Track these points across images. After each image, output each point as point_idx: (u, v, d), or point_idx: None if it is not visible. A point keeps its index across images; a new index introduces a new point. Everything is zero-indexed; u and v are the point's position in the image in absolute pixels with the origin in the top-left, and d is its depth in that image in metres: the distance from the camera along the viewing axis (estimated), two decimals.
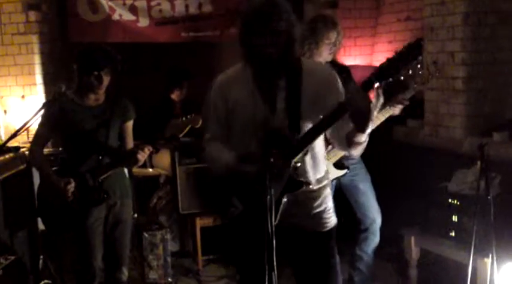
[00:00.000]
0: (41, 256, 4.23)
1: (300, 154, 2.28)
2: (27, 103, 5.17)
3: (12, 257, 3.74)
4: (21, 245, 4.17)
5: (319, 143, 2.44)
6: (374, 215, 3.90)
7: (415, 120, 4.60)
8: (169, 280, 4.42)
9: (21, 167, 4.25)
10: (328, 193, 2.51)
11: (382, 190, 4.02)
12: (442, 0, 4.20)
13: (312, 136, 2.28)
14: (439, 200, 3.68)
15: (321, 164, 2.46)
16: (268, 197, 2.04)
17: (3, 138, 4.75)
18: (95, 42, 5.04)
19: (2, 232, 3.97)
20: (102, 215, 3.29)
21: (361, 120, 2.17)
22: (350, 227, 4.03)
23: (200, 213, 4.59)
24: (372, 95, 2.12)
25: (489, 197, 3.05)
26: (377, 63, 5.57)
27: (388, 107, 3.63)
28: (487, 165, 3.11)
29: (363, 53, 5.69)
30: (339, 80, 2.41)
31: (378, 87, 2.09)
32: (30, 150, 3.40)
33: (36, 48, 5.22)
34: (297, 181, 2.30)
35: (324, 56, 3.72)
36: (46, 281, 4.26)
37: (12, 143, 3.96)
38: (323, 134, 2.37)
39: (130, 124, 3.39)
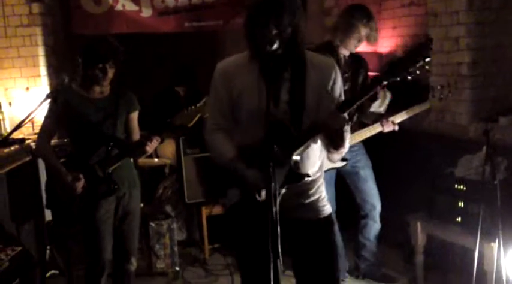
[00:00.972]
0: (48, 247, 4.25)
1: (301, 148, 2.30)
2: (32, 95, 5.17)
3: (19, 249, 3.75)
4: (28, 236, 4.20)
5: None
6: (374, 201, 3.92)
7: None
8: (177, 269, 4.44)
9: (27, 159, 4.27)
10: (321, 184, 2.52)
11: (388, 176, 4.02)
12: None
13: (310, 136, 2.31)
14: (445, 186, 3.66)
15: (315, 157, 2.47)
16: (273, 184, 2.04)
17: (8, 130, 4.75)
18: (98, 33, 5.04)
19: (8, 224, 3.99)
20: (112, 207, 3.29)
21: (334, 141, 2.32)
22: (354, 216, 4.04)
23: (206, 202, 4.60)
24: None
25: (495, 182, 3.05)
26: (382, 50, 5.54)
27: (378, 123, 3.77)
28: (493, 150, 3.10)
29: None
30: (338, 72, 2.42)
31: (385, 86, 2.11)
32: (37, 142, 3.40)
33: (39, 40, 5.21)
34: (297, 174, 2.32)
35: (349, 47, 3.71)
36: (53, 271, 4.29)
37: (17, 135, 3.99)
38: None
39: (135, 115, 3.40)
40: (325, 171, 3.65)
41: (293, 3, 2.30)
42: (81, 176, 3.17)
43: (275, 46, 2.25)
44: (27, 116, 2.89)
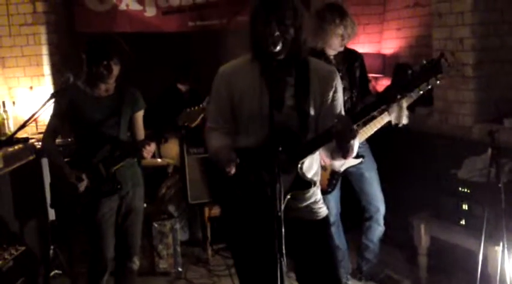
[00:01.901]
0: (52, 246, 4.25)
1: (309, 155, 2.33)
2: (36, 94, 5.18)
3: (23, 248, 3.77)
4: (31, 235, 4.20)
5: None
6: (378, 204, 3.90)
7: (424, 107, 4.57)
8: (179, 269, 4.43)
9: (30, 158, 4.27)
10: (316, 188, 2.53)
11: (392, 177, 4.01)
12: None
13: (321, 144, 2.32)
14: (449, 187, 3.65)
15: (315, 163, 2.49)
16: (278, 185, 2.04)
17: (12, 129, 4.75)
18: (102, 32, 5.04)
19: (12, 223, 4.00)
20: (115, 206, 3.29)
21: (344, 149, 2.28)
22: (357, 217, 4.04)
23: (209, 203, 4.60)
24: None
25: (500, 184, 3.04)
26: (385, 51, 5.53)
27: (386, 113, 3.65)
28: (498, 152, 3.09)
29: (371, 41, 5.64)
30: (338, 78, 2.43)
31: (400, 99, 2.15)
32: (42, 141, 3.39)
33: (43, 38, 5.21)
34: (304, 181, 2.35)
35: (334, 47, 3.70)
36: (56, 271, 4.29)
37: (21, 134, 3.98)
38: None
39: (140, 114, 3.39)
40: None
41: (295, 2, 2.31)
42: (84, 176, 3.17)
43: (278, 48, 2.25)
44: (32, 115, 2.89)
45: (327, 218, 2.55)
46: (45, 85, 5.24)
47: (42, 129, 3.99)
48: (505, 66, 4.15)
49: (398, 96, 2.14)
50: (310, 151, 2.33)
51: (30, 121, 2.97)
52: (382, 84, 5.48)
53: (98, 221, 3.24)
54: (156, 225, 4.41)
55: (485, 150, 3.47)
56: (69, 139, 4.15)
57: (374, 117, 3.69)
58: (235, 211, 2.48)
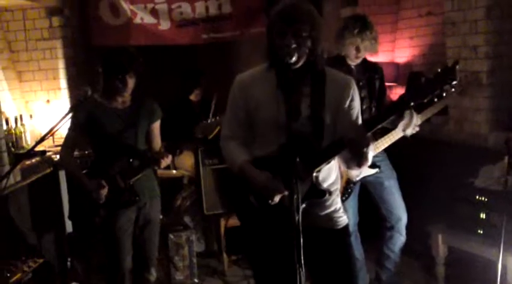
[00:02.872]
0: (69, 258, 4.28)
1: (324, 164, 2.33)
2: (52, 108, 5.23)
3: (41, 260, 3.79)
4: (49, 247, 4.23)
5: None
6: (399, 213, 3.86)
7: (439, 115, 4.56)
8: (196, 280, 4.44)
9: (48, 170, 4.32)
10: (336, 196, 2.53)
11: (408, 187, 3.99)
12: None
13: (335, 152, 2.32)
14: (466, 196, 3.63)
15: (333, 172, 2.49)
16: (295, 196, 2.05)
17: (30, 142, 4.80)
18: (117, 45, 5.08)
19: (30, 235, 4.03)
20: (133, 217, 3.32)
21: (358, 157, 2.28)
22: (376, 226, 4.02)
23: (224, 214, 4.61)
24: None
25: None
26: (399, 60, 5.53)
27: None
28: None
29: (384, 50, 5.63)
30: (355, 87, 2.44)
31: (412, 106, 2.16)
32: (60, 154, 3.43)
33: (60, 52, 5.27)
34: (319, 190, 2.35)
35: (350, 56, 3.71)
36: (74, 283, 4.31)
37: (39, 147, 4.02)
38: None
39: (157, 124, 3.42)
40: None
41: (312, 14, 2.33)
42: (103, 183, 3.19)
43: (294, 59, 2.27)
44: (51, 129, 2.91)
45: (347, 227, 2.54)
46: (62, 99, 5.29)
47: (59, 142, 4.04)
48: None
49: (412, 103, 2.15)
50: (325, 159, 2.32)
51: (49, 135, 2.99)
52: (396, 92, 5.47)
53: (116, 233, 3.26)
54: (172, 236, 4.43)
55: (501, 158, 3.45)
56: (86, 152, 4.18)
57: (389, 131, 3.71)
58: (253, 221, 2.49)
